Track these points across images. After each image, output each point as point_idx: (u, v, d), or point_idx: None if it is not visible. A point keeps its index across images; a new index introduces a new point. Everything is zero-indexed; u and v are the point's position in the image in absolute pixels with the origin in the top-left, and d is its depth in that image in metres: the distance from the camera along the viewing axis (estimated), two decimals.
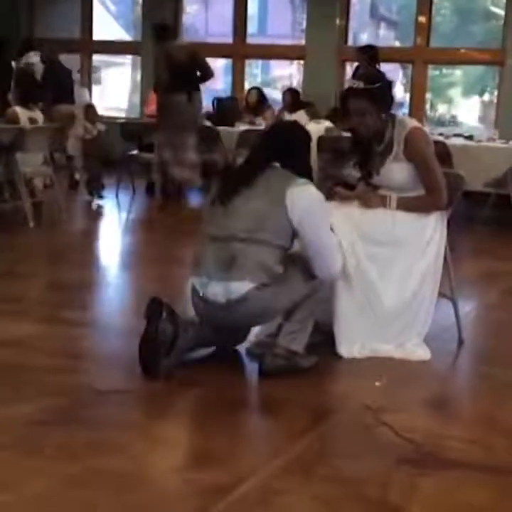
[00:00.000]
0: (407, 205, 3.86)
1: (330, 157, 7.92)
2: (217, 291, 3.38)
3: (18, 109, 7.26)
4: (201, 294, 3.43)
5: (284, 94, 9.76)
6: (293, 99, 9.33)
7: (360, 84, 3.83)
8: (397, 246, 3.81)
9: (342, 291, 3.72)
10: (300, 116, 9.02)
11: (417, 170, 3.86)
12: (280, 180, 3.43)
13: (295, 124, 3.83)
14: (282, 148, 3.51)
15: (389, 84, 3.94)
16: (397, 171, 3.89)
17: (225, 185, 3.53)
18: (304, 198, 3.40)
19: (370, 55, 8.90)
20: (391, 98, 3.93)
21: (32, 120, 7.26)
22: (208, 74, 8.33)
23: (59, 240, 6.60)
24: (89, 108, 9.30)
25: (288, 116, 9.12)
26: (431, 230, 3.87)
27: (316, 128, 8.11)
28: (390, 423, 3.01)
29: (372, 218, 3.83)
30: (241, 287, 3.34)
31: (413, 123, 3.95)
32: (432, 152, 3.92)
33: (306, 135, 3.66)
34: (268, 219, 3.38)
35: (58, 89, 9.05)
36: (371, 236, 3.78)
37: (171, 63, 8.06)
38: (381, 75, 3.92)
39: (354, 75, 9.27)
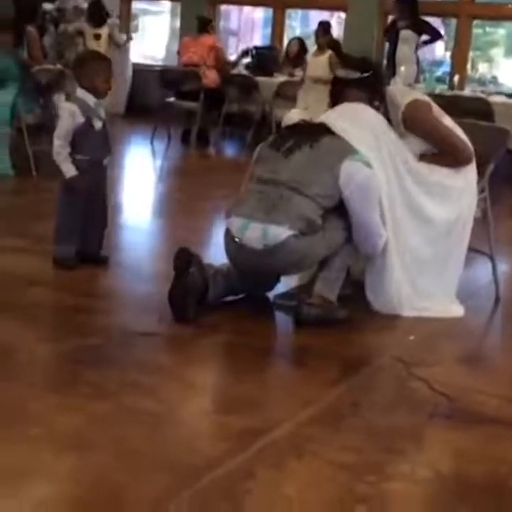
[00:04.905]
0: (429, 161, 3.76)
1: None
2: (255, 235, 3.33)
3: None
4: (237, 240, 3.39)
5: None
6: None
7: (353, 75, 3.76)
8: (430, 188, 3.70)
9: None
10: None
11: (426, 141, 3.75)
12: (341, 150, 3.45)
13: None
14: None
15: (378, 70, 3.92)
16: (410, 145, 3.73)
17: (289, 136, 3.57)
18: (361, 173, 3.40)
19: (410, 6, 8.54)
20: (381, 84, 3.87)
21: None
22: None
23: None
24: None
25: None
26: (462, 179, 3.76)
27: None
28: (423, 377, 2.97)
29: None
30: (279, 233, 3.29)
31: (405, 98, 3.78)
32: (433, 119, 3.76)
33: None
34: (319, 180, 3.40)
35: None
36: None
37: None
38: (369, 63, 3.87)
39: (389, 30, 9.07)
